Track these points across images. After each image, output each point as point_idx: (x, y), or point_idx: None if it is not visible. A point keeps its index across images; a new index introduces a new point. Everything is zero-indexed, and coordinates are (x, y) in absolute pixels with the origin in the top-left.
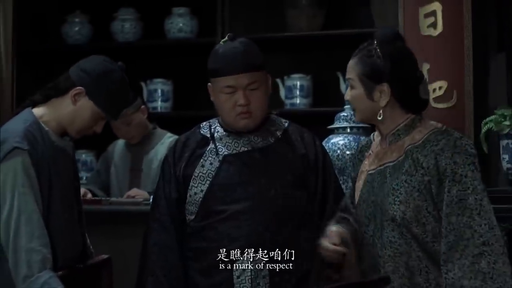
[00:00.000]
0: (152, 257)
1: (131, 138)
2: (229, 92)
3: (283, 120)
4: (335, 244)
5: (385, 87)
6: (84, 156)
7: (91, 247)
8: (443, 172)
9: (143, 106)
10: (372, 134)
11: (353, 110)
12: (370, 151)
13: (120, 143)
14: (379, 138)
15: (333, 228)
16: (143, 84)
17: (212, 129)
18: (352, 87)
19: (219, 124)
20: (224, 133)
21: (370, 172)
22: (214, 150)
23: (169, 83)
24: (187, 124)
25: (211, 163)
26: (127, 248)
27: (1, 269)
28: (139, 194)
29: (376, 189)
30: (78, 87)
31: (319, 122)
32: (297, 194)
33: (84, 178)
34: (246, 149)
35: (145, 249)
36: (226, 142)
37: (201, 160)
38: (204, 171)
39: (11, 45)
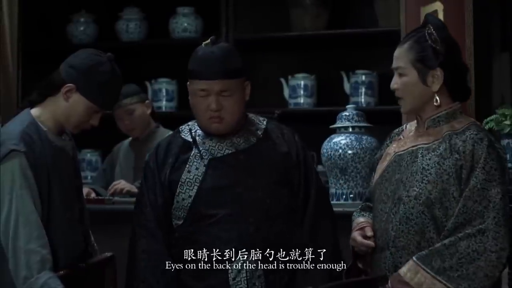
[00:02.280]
0: (142, 263)
1: (132, 131)
2: (202, 95)
3: (261, 118)
4: (367, 237)
5: (438, 71)
6: (89, 155)
7: (95, 244)
8: (478, 160)
9: (147, 101)
10: (405, 124)
11: (400, 99)
12: (400, 136)
13: (125, 143)
14: (414, 126)
15: (361, 219)
16: (148, 83)
17: (193, 133)
18: (403, 75)
19: (199, 127)
20: (206, 136)
21: (399, 153)
22: (199, 155)
23: (174, 83)
24: None
25: (197, 168)
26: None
27: (3, 270)
28: (124, 186)
29: (403, 168)
30: (68, 84)
31: (323, 121)
32: (283, 191)
33: (89, 177)
34: (230, 151)
35: (133, 256)
36: (210, 145)
37: (187, 165)
38: (191, 177)
39: (16, 44)
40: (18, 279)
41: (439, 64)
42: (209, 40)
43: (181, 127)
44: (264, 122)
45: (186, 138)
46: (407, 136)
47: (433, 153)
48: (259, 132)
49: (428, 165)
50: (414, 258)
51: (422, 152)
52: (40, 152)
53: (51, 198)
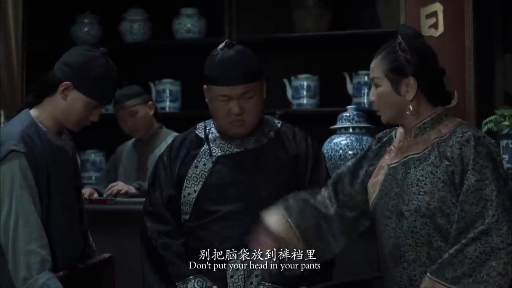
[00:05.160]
0: (153, 242)
1: (135, 131)
2: (223, 100)
3: (276, 121)
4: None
5: (411, 80)
6: (93, 156)
7: (93, 245)
8: (467, 162)
9: (150, 102)
10: (393, 132)
11: (378, 110)
12: (391, 147)
13: (128, 144)
14: (402, 134)
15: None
16: (151, 84)
17: (207, 130)
18: (378, 86)
19: (214, 125)
20: (218, 134)
21: (392, 165)
22: (208, 151)
23: (178, 83)
24: (195, 124)
25: (204, 164)
26: (132, 247)
27: (2, 270)
28: (122, 187)
29: (400, 181)
30: (64, 82)
31: (325, 122)
32: (290, 193)
33: (93, 178)
34: (238, 150)
35: (146, 239)
36: (220, 143)
37: (195, 161)
38: (198, 172)
39: (21, 45)
40: (17, 280)
41: (411, 73)
42: (224, 44)
43: (198, 124)
44: (279, 125)
45: (199, 134)
46: (397, 146)
47: (425, 163)
48: (271, 133)
49: (422, 175)
50: (428, 274)
51: (414, 163)
52: (39, 152)
53: (50, 198)
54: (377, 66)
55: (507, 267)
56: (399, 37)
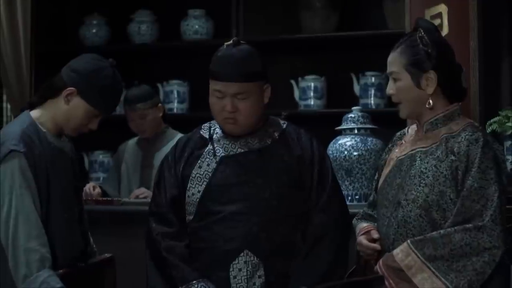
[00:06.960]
0: (158, 245)
1: (143, 132)
2: (219, 96)
3: (282, 122)
4: (374, 240)
5: (432, 74)
6: (101, 156)
7: (94, 246)
8: (473, 160)
9: (160, 104)
10: (407, 128)
11: (398, 104)
12: (402, 141)
13: (130, 142)
14: (414, 130)
15: (364, 224)
16: (159, 85)
17: (212, 131)
18: (397, 80)
19: (219, 125)
20: (222, 134)
21: (400, 157)
22: (212, 151)
23: (185, 85)
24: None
25: (208, 164)
26: (138, 248)
27: (3, 269)
28: (145, 193)
29: (404, 172)
30: (69, 88)
31: (332, 123)
32: (294, 194)
33: (101, 178)
34: (242, 150)
35: (151, 240)
36: (224, 143)
37: (199, 161)
38: (201, 172)
39: (29, 46)
40: (17, 278)
41: (432, 67)
42: (231, 41)
43: (203, 124)
44: (284, 125)
45: (204, 134)
46: (408, 140)
47: (430, 157)
48: (276, 134)
49: (426, 168)
50: (408, 241)
51: (420, 155)
52: (39, 152)
53: (50, 198)
54: (396, 60)
55: (485, 266)
56: (421, 30)
